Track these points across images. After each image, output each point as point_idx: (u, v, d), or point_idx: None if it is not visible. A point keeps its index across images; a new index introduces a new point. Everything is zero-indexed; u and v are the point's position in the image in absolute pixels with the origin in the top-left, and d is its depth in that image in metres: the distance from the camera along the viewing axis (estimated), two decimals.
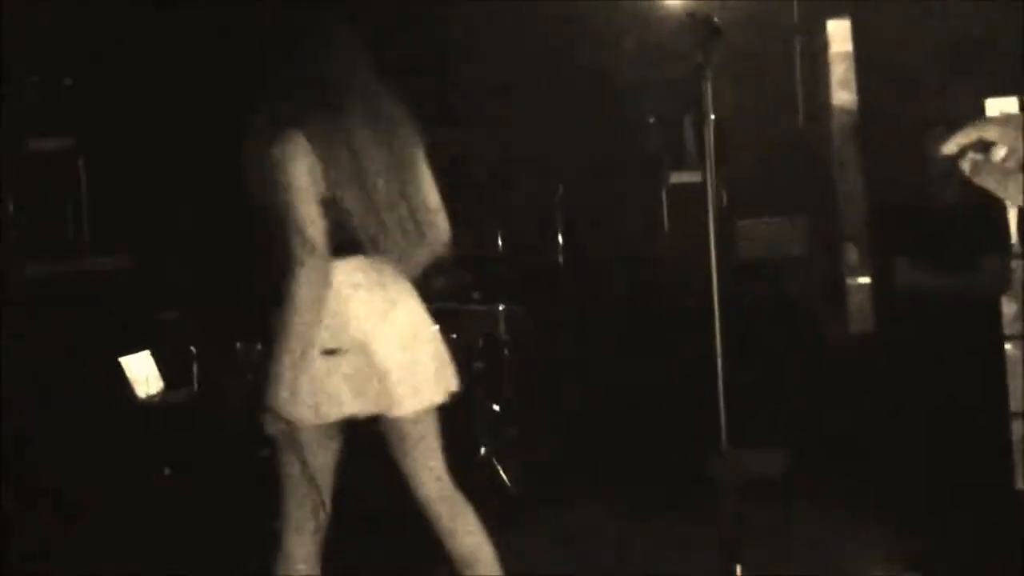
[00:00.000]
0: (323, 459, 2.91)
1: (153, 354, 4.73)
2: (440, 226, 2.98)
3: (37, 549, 4.02)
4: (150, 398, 4.70)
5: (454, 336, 4.44)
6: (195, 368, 4.80)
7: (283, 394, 2.80)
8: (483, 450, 4.94)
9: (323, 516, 2.90)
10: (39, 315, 4.52)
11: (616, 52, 6.03)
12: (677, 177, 5.87)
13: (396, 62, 3.07)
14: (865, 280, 5.80)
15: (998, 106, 4.64)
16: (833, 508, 4.54)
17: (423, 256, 2.96)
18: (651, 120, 5.91)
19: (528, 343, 5.23)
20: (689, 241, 6.17)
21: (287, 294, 2.75)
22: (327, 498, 2.91)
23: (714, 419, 4.93)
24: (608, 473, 5.06)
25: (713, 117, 5.92)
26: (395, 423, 2.94)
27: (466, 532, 3.00)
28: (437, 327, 3.10)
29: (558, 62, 5.85)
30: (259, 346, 4.98)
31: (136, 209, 5.20)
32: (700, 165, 6.05)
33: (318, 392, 2.81)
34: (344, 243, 2.83)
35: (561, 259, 5.50)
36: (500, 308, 5.11)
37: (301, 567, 2.92)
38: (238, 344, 4.91)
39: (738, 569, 3.43)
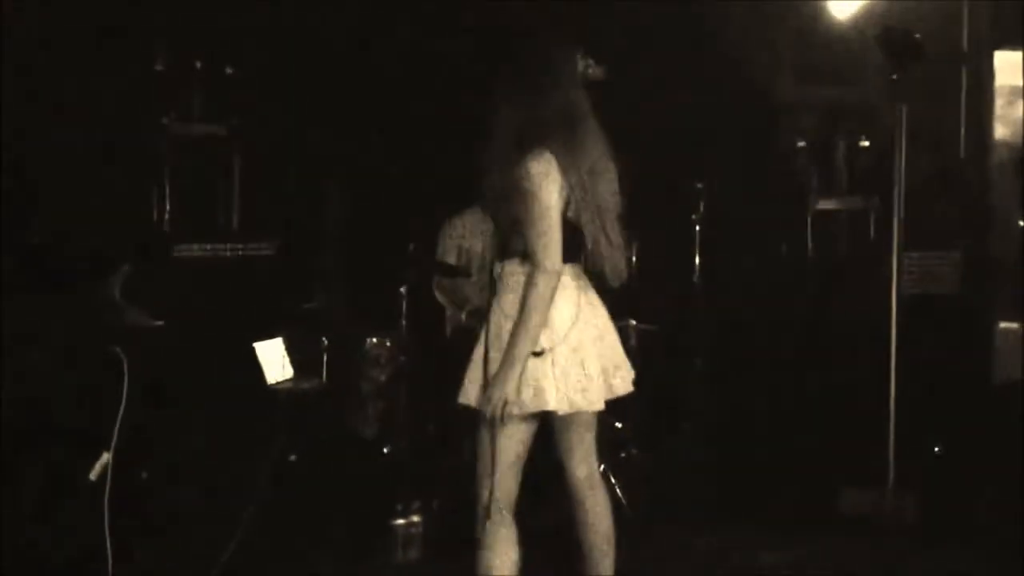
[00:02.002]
0: (523, 439, 3.16)
1: (285, 342, 4.87)
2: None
3: (158, 527, 4.14)
4: (279, 384, 4.83)
5: None
6: (325, 359, 4.94)
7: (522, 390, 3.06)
8: (602, 466, 4.93)
9: (516, 492, 3.17)
10: (182, 295, 4.71)
11: (768, 71, 5.88)
12: (825, 203, 5.77)
13: None
14: (1015, 325, 5.62)
15: None
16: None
17: (623, 267, 3.25)
18: (800, 143, 5.84)
19: (658, 362, 5.20)
20: (833, 270, 6.08)
21: (525, 298, 3.03)
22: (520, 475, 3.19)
23: (861, 456, 4.87)
24: (727, 501, 4.99)
25: (867, 143, 5.86)
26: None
27: (606, 515, 3.32)
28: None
29: (705, 80, 5.72)
30: (388, 342, 5.11)
31: (285, 199, 5.39)
32: (850, 191, 5.96)
33: (529, 386, 3.06)
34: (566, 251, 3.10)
35: (697, 279, 5.47)
36: (632, 324, 5.11)
37: (502, 549, 3.13)
38: (369, 339, 5.06)
39: None
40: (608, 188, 3.16)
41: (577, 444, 3.30)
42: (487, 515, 3.13)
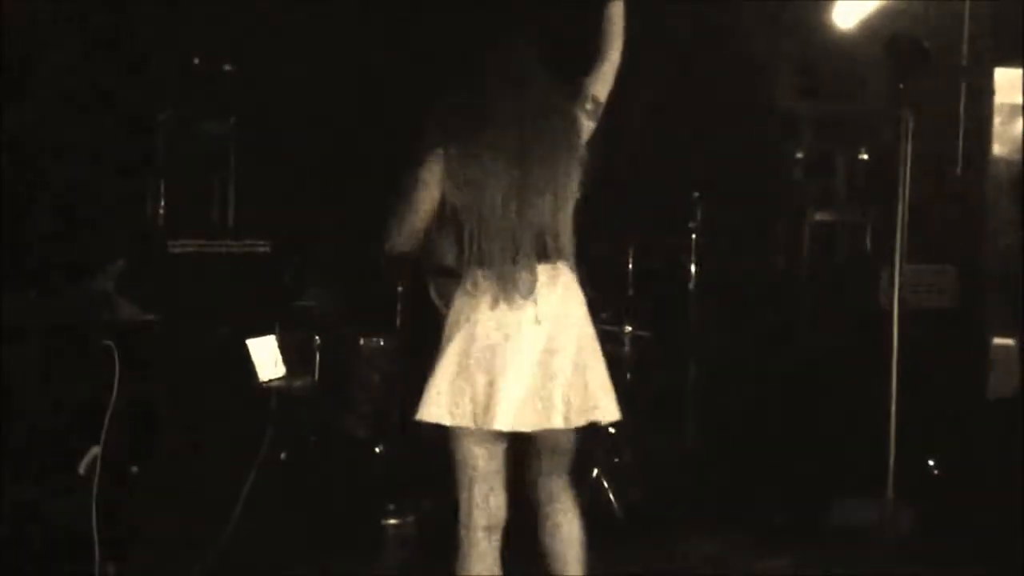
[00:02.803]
0: (490, 458, 2.98)
1: (279, 340, 4.87)
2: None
3: (147, 523, 4.16)
4: (271, 382, 4.82)
5: None
6: (318, 358, 4.94)
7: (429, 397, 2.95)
8: (595, 471, 4.93)
9: (500, 513, 3.00)
10: (176, 291, 4.71)
11: (768, 82, 5.91)
12: (822, 215, 5.78)
13: None
14: (1009, 341, 5.63)
15: None
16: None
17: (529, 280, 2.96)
18: (798, 154, 5.83)
19: (652, 369, 5.21)
20: (828, 281, 6.10)
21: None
22: (502, 496, 3.00)
23: (857, 466, 4.88)
24: (721, 508, 4.96)
25: (866, 156, 5.87)
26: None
27: (570, 532, 3.12)
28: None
29: (704, 90, 5.72)
30: (382, 342, 5.11)
31: (282, 197, 5.37)
32: (848, 203, 6.00)
33: (462, 401, 2.90)
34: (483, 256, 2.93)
35: (693, 287, 5.48)
36: (627, 330, 5.12)
37: (482, 567, 2.97)
38: (362, 339, 5.06)
39: None
40: (524, 207, 2.93)
41: (536, 460, 3.11)
42: (463, 536, 3.00)
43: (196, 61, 4.91)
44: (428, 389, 2.94)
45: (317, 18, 5.33)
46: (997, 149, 5.87)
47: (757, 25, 5.72)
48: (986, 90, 5.84)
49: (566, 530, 3.12)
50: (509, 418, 2.89)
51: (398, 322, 4.82)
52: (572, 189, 3.00)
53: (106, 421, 3.75)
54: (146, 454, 4.22)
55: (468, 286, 2.97)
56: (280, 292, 4.99)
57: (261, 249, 4.89)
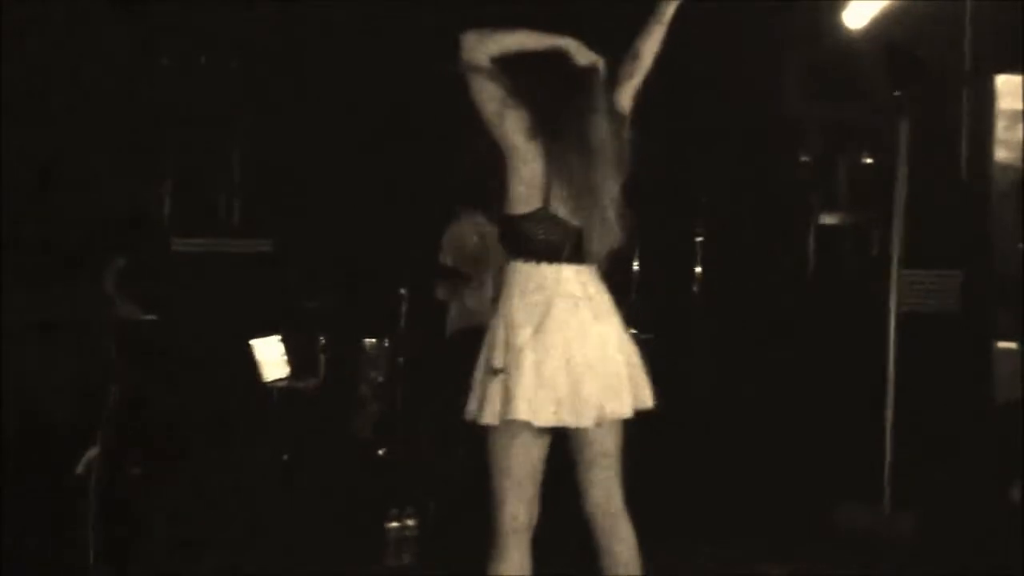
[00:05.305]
0: (529, 457, 2.95)
1: (283, 340, 4.86)
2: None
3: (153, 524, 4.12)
4: (276, 383, 4.81)
5: None
6: (322, 359, 4.94)
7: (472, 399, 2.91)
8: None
9: (534, 513, 2.96)
10: (182, 291, 4.71)
11: (773, 87, 5.93)
12: (827, 218, 5.80)
13: None
14: (1013, 345, 5.65)
15: None
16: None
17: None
18: (804, 158, 5.89)
19: (657, 372, 5.19)
20: (833, 284, 6.11)
21: None
22: (535, 495, 2.95)
23: (859, 472, 4.89)
24: (725, 514, 5.02)
25: (870, 160, 5.89)
26: (578, 433, 2.96)
27: (622, 552, 3.06)
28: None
29: (710, 94, 5.72)
30: (386, 343, 5.11)
31: (287, 197, 5.38)
32: (853, 207, 6.01)
33: (549, 400, 2.86)
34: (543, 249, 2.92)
35: (697, 290, 5.47)
36: (631, 333, 5.09)
37: (516, 565, 2.95)
38: (367, 340, 5.06)
39: None
40: (583, 207, 2.96)
41: (587, 470, 3.04)
42: (499, 537, 2.95)
43: (202, 60, 4.90)
44: (517, 391, 2.86)
45: (328, 18, 5.32)
46: (999, 155, 5.90)
47: (764, 30, 5.73)
48: (988, 96, 5.87)
49: (625, 557, 3.07)
50: (592, 413, 2.89)
51: (402, 323, 4.80)
52: (616, 193, 3.01)
53: (103, 421, 3.73)
54: (147, 455, 4.22)
55: (523, 282, 2.93)
56: (285, 292, 4.99)
57: (266, 249, 4.89)
